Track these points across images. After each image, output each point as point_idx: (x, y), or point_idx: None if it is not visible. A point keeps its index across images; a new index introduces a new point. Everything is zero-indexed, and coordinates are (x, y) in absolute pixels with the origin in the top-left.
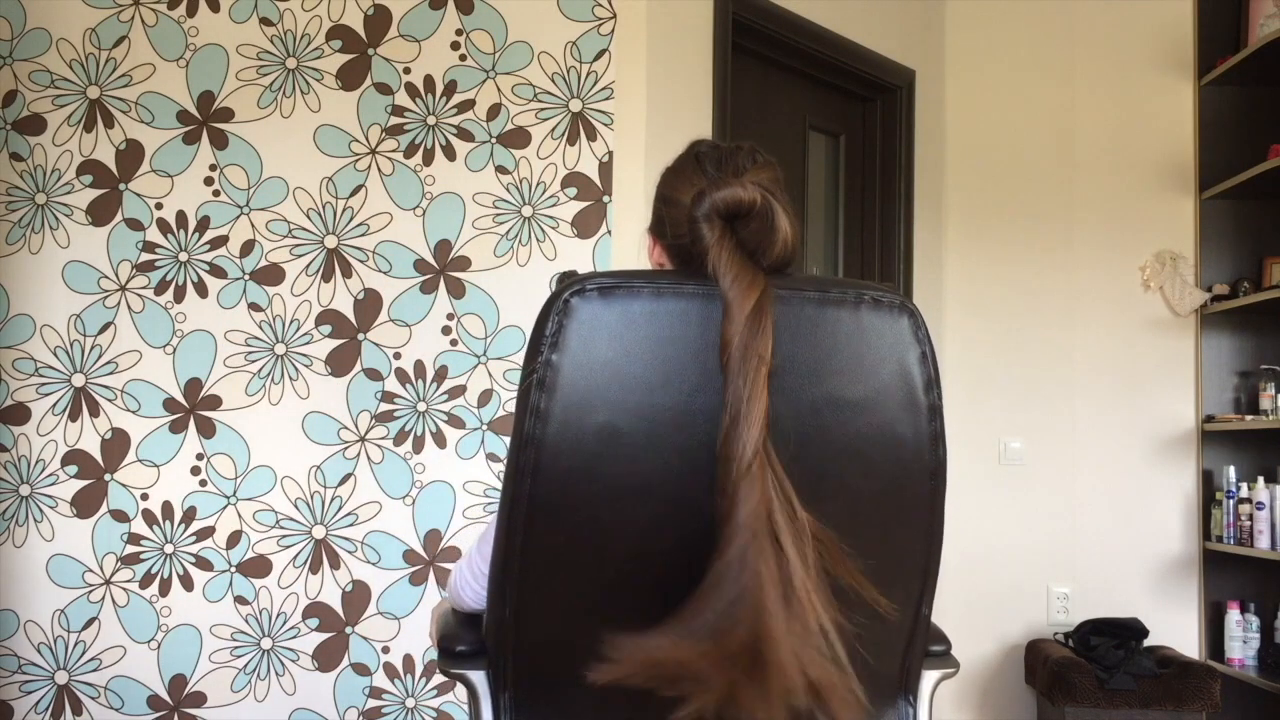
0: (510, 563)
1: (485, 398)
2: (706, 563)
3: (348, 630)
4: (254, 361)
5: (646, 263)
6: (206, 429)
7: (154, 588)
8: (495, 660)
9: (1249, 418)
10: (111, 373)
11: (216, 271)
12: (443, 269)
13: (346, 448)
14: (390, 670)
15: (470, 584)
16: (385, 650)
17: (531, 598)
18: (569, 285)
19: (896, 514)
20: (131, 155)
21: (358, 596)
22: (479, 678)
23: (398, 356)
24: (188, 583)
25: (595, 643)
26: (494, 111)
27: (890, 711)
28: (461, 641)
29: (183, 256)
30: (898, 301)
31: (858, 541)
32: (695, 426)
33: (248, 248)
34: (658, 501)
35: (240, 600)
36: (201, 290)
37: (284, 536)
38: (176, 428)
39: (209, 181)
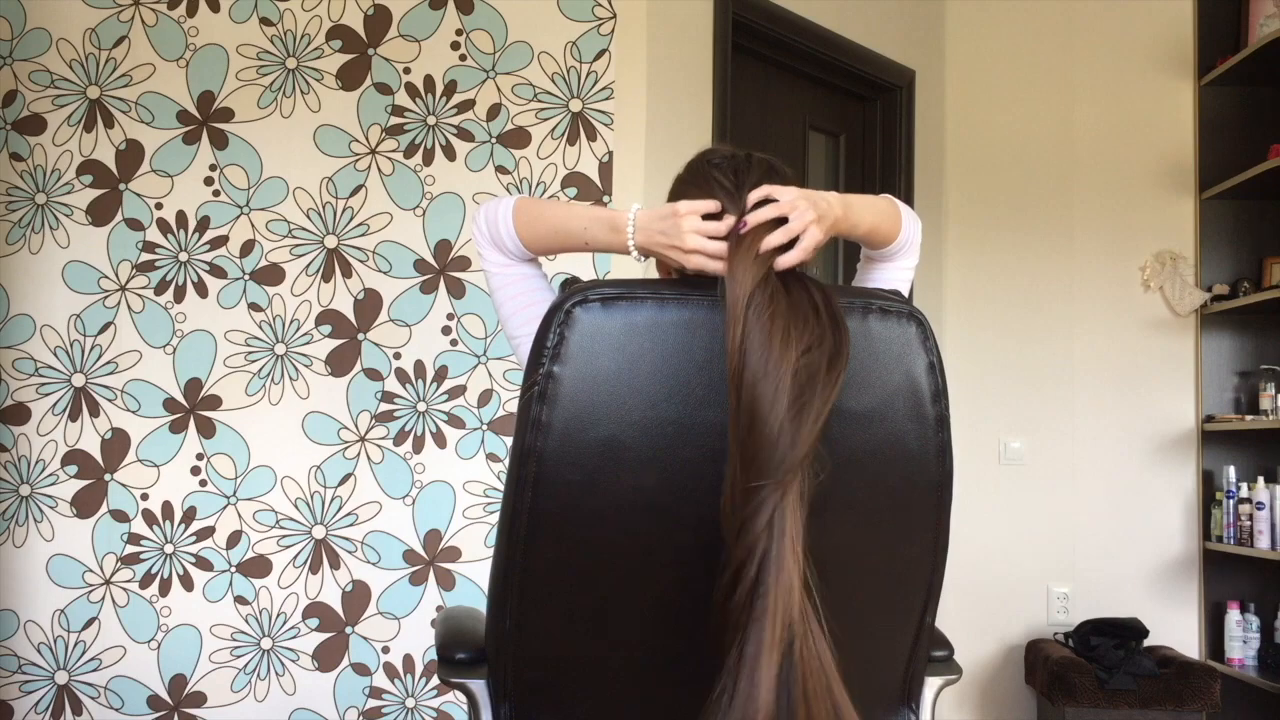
0: (511, 574)
1: (485, 398)
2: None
3: (348, 630)
4: (254, 361)
5: (655, 268)
6: (206, 429)
7: (154, 588)
8: (495, 670)
9: (1249, 418)
10: (111, 373)
11: (216, 271)
12: (443, 269)
13: (346, 448)
14: (390, 670)
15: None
16: (385, 650)
17: (532, 610)
18: (571, 295)
19: (902, 527)
20: (131, 155)
21: (358, 596)
22: (479, 687)
23: (398, 356)
24: (188, 583)
25: (596, 655)
26: (494, 111)
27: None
28: (461, 650)
29: (183, 256)
30: (905, 309)
31: (862, 554)
32: (700, 440)
33: (248, 248)
34: (660, 516)
35: (240, 600)
36: (201, 290)
37: (284, 536)
38: (176, 428)
39: (209, 181)
